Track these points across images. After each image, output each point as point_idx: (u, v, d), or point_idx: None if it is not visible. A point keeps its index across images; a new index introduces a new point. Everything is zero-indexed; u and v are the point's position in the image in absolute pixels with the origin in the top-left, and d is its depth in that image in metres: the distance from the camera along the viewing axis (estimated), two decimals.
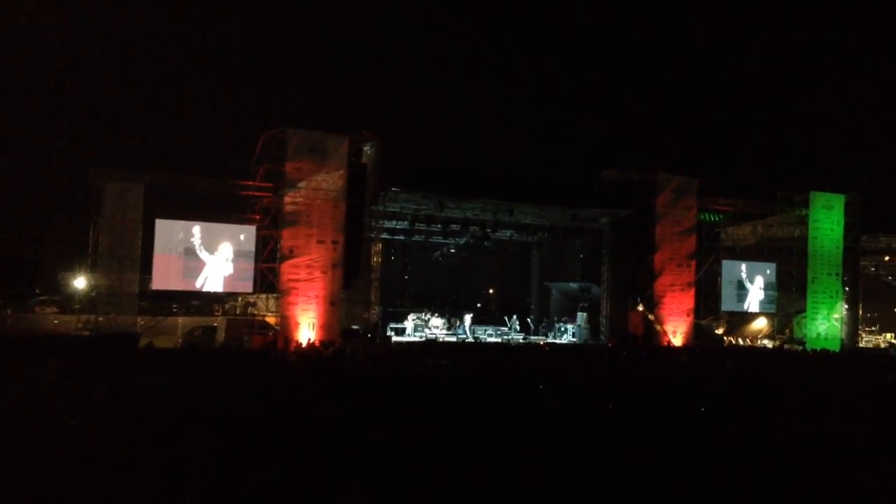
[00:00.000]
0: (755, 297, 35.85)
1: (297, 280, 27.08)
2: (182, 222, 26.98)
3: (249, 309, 29.24)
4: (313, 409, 12.44)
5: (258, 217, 27.89)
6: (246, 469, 8.99)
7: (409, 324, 33.14)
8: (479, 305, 39.73)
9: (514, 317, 35.72)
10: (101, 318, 25.84)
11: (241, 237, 27.74)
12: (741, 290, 35.67)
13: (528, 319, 36.92)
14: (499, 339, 33.04)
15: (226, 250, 27.48)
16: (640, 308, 32.67)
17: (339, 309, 27.90)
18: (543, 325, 36.50)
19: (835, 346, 34.25)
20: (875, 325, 42.41)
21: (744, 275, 35.72)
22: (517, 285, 40.72)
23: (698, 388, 16.36)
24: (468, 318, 34.44)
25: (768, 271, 35.98)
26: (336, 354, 22.48)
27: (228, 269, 27.45)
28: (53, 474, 8.67)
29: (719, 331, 35.62)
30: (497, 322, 36.80)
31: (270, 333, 26.57)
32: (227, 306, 30.51)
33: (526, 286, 40.54)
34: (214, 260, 27.28)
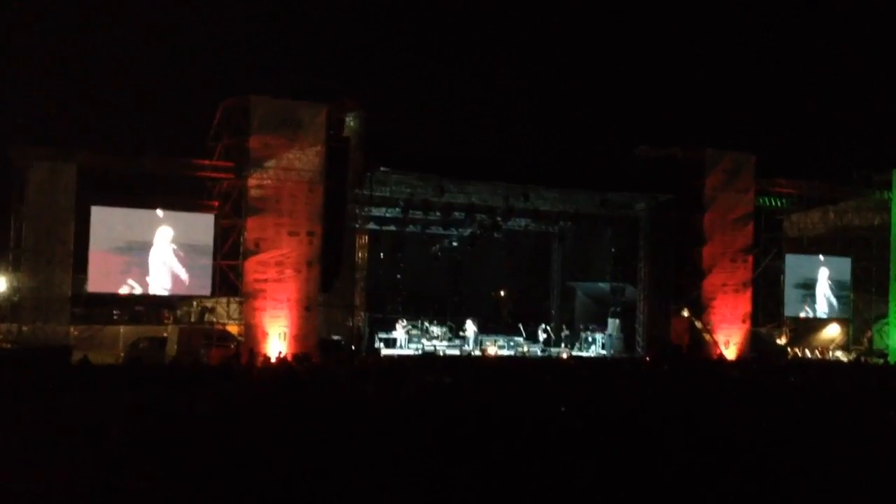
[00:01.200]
0: (825, 299, 35.81)
1: (265, 280, 27.03)
2: (124, 210, 26.92)
3: (207, 316, 29.19)
4: (284, 441, 12.36)
5: (217, 204, 27.84)
6: None
7: (401, 333, 33.11)
8: (486, 311, 39.66)
9: (540, 326, 35.69)
10: (25, 328, 25.78)
11: (197, 228, 27.66)
12: (808, 292, 35.62)
13: (548, 328, 36.84)
14: (511, 352, 32.98)
15: (177, 245, 27.39)
16: (685, 313, 32.61)
17: (316, 315, 27.84)
18: (566, 334, 36.44)
19: None
20: None
21: (812, 272, 35.64)
22: (534, 286, 40.65)
23: (757, 413, 16.26)
24: (472, 325, 34.38)
25: (842, 268, 35.91)
26: (313, 371, 22.41)
27: (181, 267, 27.37)
28: None
29: (781, 341, 35.56)
30: (509, 331, 36.72)
31: (232, 346, 26.58)
32: (179, 313, 30.40)
33: (545, 287, 40.46)
34: (163, 256, 27.20)
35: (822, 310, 35.96)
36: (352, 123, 29.25)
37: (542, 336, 35.17)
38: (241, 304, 27.29)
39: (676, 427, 13.81)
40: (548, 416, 14.70)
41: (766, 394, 19.34)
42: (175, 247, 27.36)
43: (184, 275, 27.36)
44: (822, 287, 35.81)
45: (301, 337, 27.19)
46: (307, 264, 27.50)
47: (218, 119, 27.38)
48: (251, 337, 26.75)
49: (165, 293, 27.60)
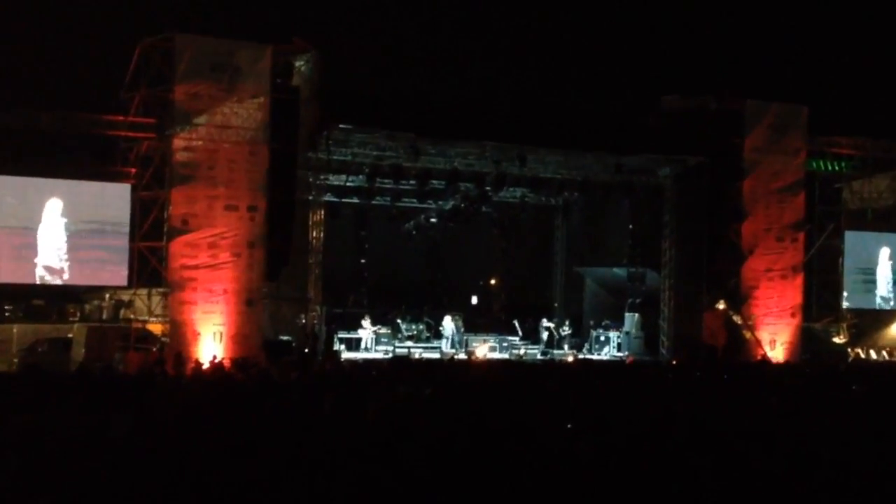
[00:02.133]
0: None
1: (195, 267, 26.94)
2: (14, 179, 26.77)
3: (123, 312, 29.15)
4: (219, 470, 12.22)
5: (133, 171, 27.71)
6: None
7: (367, 332, 33.06)
8: (473, 303, 39.67)
9: (541, 322, 35.73)
10: None
11: (108, 202, 27.49)
12: (874, 277, 35.79)
13: (550, 325, 36.86)
14: (505, 355, 33.01)
15: (84, 222, 27.20)
16: (721, 306, 32.74)
17: (259, 311, 27.81)
18: (573, 332, 36.50)
19: None
20: None
21: (880, 254, 35.81)
22: (532, 272, 40.72)
23: (810, 428, 16.25)
24: (451, 323, 34.33)
25: None
26: (257, 380, 22.25)
27: (88, 250, 27.19)
28: None
29: (840, 339, 35.75)
30: (502, 329, 36.73)
31: (155, 349, 26.57)
32: (87, 308, 30.32)
33: (546, 273, 40.56)
34: (66, 237, 27.00)
35: (893, 300, 36.13)
36: (303, 69, 29.10)
37: (543, 335, 35.19)
38: (165, 296, 27.15)
39: (712, 452, 13.74)
40: (550, 437, 14.63)
41: (823, 405, 19.34)
42: (77, 225, 27.10)
43: (88, 261, 27.13)
44: (891, 272, 35.96)
45: (241, 337, 27.15)
46: (248, 246, 27.40)
47: (134, 64, 27.15)
48: (178, 338, 26.65)
49: (60, 283, 27.42)
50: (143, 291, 27.91)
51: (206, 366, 25.27)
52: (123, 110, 27.41)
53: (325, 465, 12.40)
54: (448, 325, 34.25)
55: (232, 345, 26.99)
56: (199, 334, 26.86)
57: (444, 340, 34.05)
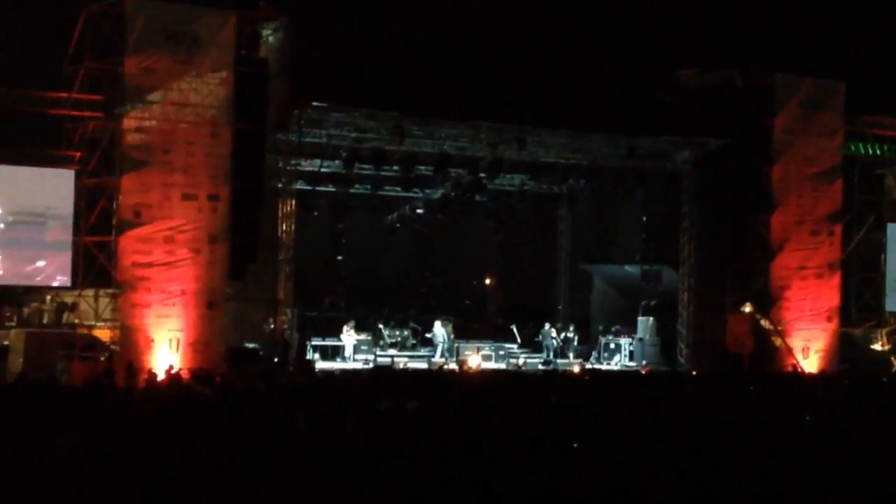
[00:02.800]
0: None
1: (149, 265, 26.93)
2: None
3: (66, 316, 29.08)
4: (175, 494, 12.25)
5: (78, 155, 27.66)
6: None
7: (348, 338, 33.08)
8: (466, 307, 39.70)
9: (543, 327, 35.78)
10: None
11: (47, 190, 27.46)
12: None
13: (553, 330, 36.94)
14: (502, 365, 33.05)
15: (21, 213, 27.18)
16: (748, 308, 32.79)
17: (222, 315, 27.79)
18: (578, 339, 36.55)
19: None
20: None
21: None
22: (533, 270, 40.76)
23: (848, 449, 16.32)
24: (441, 328, 34.37)
25: None
26: (219, 393, 22.28)
27: (26, 246, 27.16)
28: None
29: (882, 346, 35.84)
30: (498, 335, 36.76)
31: (102, 358, 26.51)
32: (26, 311, 30.26)
33: (549, 271, 40.60)
34: (0, 230, 26.98)
35: None
36: (272, 39, 29.07)
37: (547, 342, 35.19)
38: (114, 298, 27.12)
39: (737, 476, 13.80)
40: (552, 458, 14.66)
41: (864, 422, 19.40)
42: (13, 216, 27.10)
43: (26, 257, 27.14)
44: None
45: (201, 345, 27.18)
46: (209, 241, 27.41)
47: (79, 33, 27.09)
48: (130, 345, 26.67)
49: (7, 283, 27.40)
50: (90, 293, 27.83)
51: (161, 377, 25.25)
52: (66, 86, 27.38)
53: (297, 490, 12.42)
54: (439, 331, 34.24)
55: (191, 353, 26.99)
56: (152, 341, 26.82)
57: (436, 348, 34.03)
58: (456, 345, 34.17)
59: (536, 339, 36.09)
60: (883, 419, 20.16)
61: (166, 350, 26.82)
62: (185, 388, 23.91)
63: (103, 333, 27.50)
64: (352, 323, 33.73)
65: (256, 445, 15.76)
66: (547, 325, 36.23)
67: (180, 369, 26.08)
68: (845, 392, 25.92)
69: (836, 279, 33.37)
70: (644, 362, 33.97)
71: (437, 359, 33.03)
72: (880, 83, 43.42)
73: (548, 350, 35.54)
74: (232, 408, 20.38)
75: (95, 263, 27.15)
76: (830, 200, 33.28)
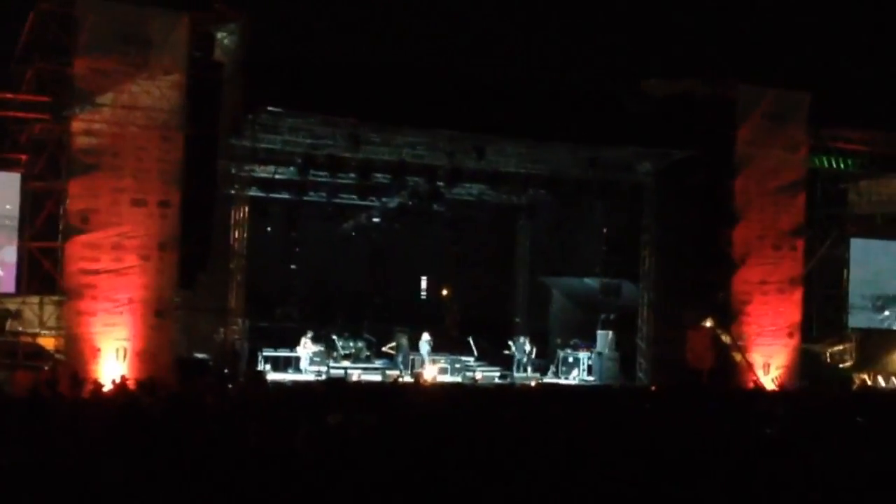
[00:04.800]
0: None
1: (96, 272, 26.80)
2: None
3: (9, 323, 28.83)
4: None
5: (24, 158, 27.48)
6: None
7: (304, 350, 33.03)
8: (422, 318, 39.68)
9: (504, 340, 35.79)
10: None
11: None
12: (884, 293, 36.14)
13: (511, 343, 37.04)
14: (458, 378, 33.08)
15: None
16: (708, 323, 32.96)
17: (171, 324, 27.67)
18: (536, 352, 36.61)
19: None
20: None
21: (890, 265, 36.14)
22: (491, 282, 40.82)
23: (808, 466, 16.45)
24: (424, 342, 34.45)
25: None
26: (167, 405, 22.18)
27: None
28: None
29: (845, 363, 36.08)
30: (455, 347, 36.79)
31: (46, 367, 26.32)
32: None
33: (507, 283, 40.69)
34: None
35: None
36: (226, 41, 29.02)
37: (521, 355, 35.23)
38: (59, 305, 26.96)
39: (696, 493, 13.90)
40: (506, 476, 14.71)
41: (823, 441, 19.57)
42: None
43: None
44: None
45: (149, 355, 27.03)
46: (159, 248, 27.29)
47: (27, 33, 26.92)
48: (75, 354, 26.49)
49: None
50: (34, 299, 27.63)
51: (107, 387, 25.10)
52: (13, 86, 27.20)
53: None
54: (424, 344, 34.32)
55: (138, 363, 26.80)
56: (99, 350, 26.63)
57: (398, 359, 34.15)
58: (411, 357, 34.18)
59: (507, 352, 35.95)
60: (842, 436, 20.36)
61: (113, 360, 26.64)
62: (132, 399, 23.78)
63: (48, 342, 27.28)
64: (310, 334, 33.62)
65: (204, 458, 15.73)
66: (522, 338, 36.19)
67: (128, 380, 25.93)
68: (805, 409, 26.11)
69: (797, 294, 33.56)
70: (602, 377, 33.85)
71: (392, 371, 33.03)
72: (845, 96, 43.86)
73: (518, 363, 35.51)
74: (180, 419, 20.32)
75: (41, 270, 27.00)
76: (793, 214, 33.46)
